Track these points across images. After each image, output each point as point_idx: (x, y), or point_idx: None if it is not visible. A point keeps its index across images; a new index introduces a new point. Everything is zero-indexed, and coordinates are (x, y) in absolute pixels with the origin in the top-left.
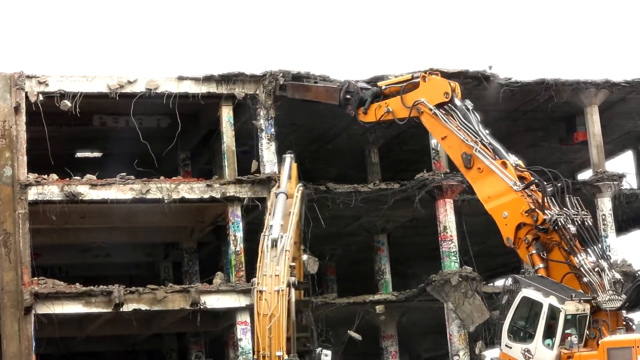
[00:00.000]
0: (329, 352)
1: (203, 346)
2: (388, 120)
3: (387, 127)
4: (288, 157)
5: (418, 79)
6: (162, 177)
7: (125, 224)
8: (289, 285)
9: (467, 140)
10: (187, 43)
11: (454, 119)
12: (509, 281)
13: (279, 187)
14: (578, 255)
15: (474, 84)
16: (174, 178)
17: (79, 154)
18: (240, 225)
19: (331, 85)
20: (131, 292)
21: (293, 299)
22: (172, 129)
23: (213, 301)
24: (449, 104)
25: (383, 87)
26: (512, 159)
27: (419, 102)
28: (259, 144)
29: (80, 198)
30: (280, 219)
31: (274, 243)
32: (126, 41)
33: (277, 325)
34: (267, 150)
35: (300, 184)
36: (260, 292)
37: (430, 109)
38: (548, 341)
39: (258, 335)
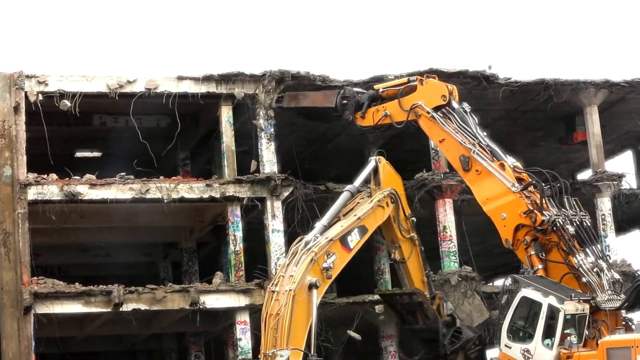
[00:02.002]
0: (285, 353)
1: (202, 346)
2: (386, 123)
3: (384, 131)
4: (372, 160)
5: (415, 82)
6: (161, 177)
7: (125, 223)
8: (312, 286)
9: (464, 142)
10: (187, 43)
11: (451, 121)
12: (509, 281)
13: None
14: (577, 256)
15: (473, 83)
16: (173, 178)
17: (79, 154)
18: (240, 225)
19: (328, 90)
20: (130, 292)
21: (315, 300)
22: (171, 129)
23: (212, 301)
24: (447, 107)
25: (380, 90)
26: (510, 160)
27: (416, 106)
28: (259, 144)
29: (80, 198)
30: (327, 219)
31: (306, 244)
32: (126, 41)
33: (281, 324)
34: (267, 150)
35: (388, 190)
36: (273, 292)
37: (428, 112)
38: (547, 341)
39: (263, 335)
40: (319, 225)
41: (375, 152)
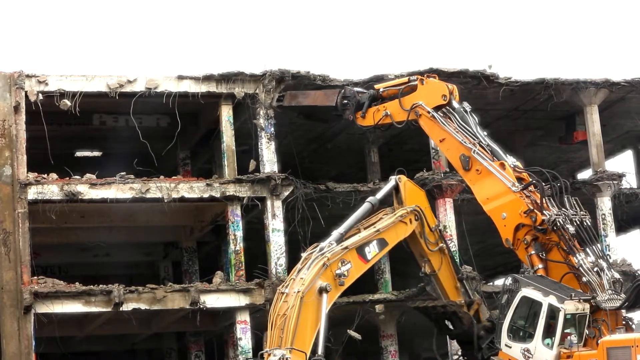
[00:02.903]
0: (278, 352)
1: (203, 345)
2: (386, 123)
3: (385, 130)
4: (392, 179)
5: (415, 82)
6: (161, 177)
7: (125, 223)
8: (322, 290)
9: (465, 142)
10: (187, 42)
11: (452, 121)
12: (509, 280)
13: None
14: (577, 255)
15: (473, 83)
16: (173, 177)
17: (79, 153)
18: (240, 224)
19: (328, 89)
20: (131, 292)
21: (324, 304)
22: (171, 128)
23: (212, 300)
24: (447, 107)
25: (380, 90)
26: (510, 160)
27: (417, 105)
28: (259, 143)
29: (80, 197)
30: (344, 228)
31: (321, 250)
32: (126, 40)
33: (287, 325)
34: (267, 150)
35: (411, 207)
36: (282, 293)
37: (429, 112)
38: (547, 340)
39: (268, 334)
40: (335, 233)
41: (401, 170)
